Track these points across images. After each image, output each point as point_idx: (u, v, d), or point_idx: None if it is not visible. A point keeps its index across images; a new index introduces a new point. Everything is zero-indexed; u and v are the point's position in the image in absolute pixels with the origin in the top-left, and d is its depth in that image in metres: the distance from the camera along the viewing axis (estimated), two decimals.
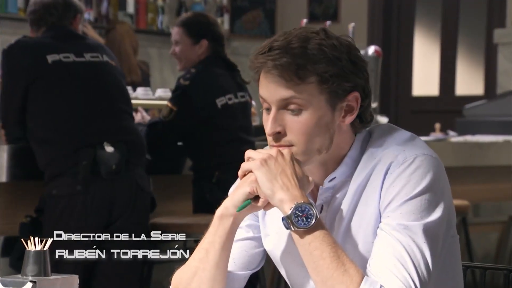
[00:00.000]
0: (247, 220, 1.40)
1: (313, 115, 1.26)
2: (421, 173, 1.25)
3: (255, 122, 3.80)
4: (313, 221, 1.23)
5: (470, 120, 4.49)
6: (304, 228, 1.23)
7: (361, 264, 1.26)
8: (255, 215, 1.40)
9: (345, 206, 1.30)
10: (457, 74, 6.05)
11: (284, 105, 1.27)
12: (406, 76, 6.13)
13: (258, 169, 1.27)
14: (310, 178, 1.30)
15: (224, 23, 5.97)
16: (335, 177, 1.31)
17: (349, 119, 1.29)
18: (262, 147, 3.68)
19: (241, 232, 1.39)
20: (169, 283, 1.38)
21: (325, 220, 1.31)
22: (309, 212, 1.23)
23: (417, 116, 5.93)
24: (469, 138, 4.20)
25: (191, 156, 3.03)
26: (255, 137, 3.13)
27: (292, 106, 1.27)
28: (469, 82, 6.05)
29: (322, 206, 1.33)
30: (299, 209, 1.23)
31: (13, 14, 4.74)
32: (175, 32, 3.06)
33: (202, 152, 2.98)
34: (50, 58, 2.61)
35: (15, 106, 2.61)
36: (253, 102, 4.02)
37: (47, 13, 2.69)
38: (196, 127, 2.96)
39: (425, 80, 6.18)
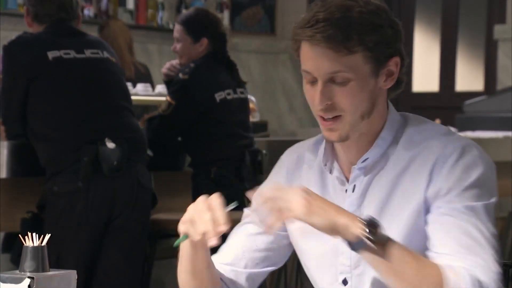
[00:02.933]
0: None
1: (359, 84, 1.28)
2: (477, 160, 1.30)
3: (254, 119, 3.80)
4: (382, 228, 1.21)
5: (470, 116, 4.48)
6: (386, 239, 1.20)
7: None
8: None
9: (379, 187, 1.31)
10: (457, 70, 6.04)
11: (331, 78, 1.28)
12: (406, 72, 6.11)
13: (310, 216, 1.20)
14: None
15: (224, 19, 5.96)
16: (368, 158, 1.32)
17: (390, 83, 1.32)
18: (260, 143, 3.64)
19: (251, 227, 1.39)
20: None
21: (355, 201, 1.32)
22: (376, 221, 1.21)
23: (417, 112, 5.87)
24: (469, 134, 4.20)
25: (188, 151, 3.03)
26: (253, 133, 3.13)
27: (339, 79, 1.28)
28: (469, 78, 6.05)
29: (354, 186, 1.33)
30: (370, 223, 1.20)
31: (13, 10, 4.74)
32: (176, 29, 3.07)
33: (199, 147, 2.99)
34: (51, 54, 2.60)
35: (15, 102, 2.61)
36: (253, 98, 4.02)
37: (62, 11, 2.65)
38: (195, 121, 2.96)
39: (425, 76, 6.17)
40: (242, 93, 3.08)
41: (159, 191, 2.83)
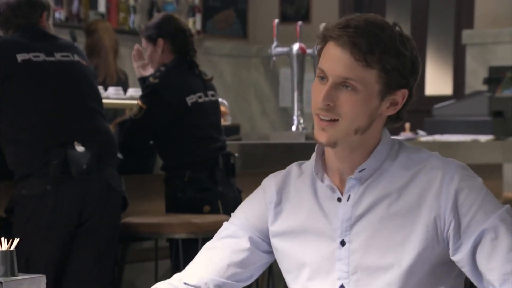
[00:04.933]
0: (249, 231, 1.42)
1: (364, 99, 1.32)
2: (474, 176, 1.35)
3: (226, 122, 3.80)
4: None
5: (439, 119, 4.54)
6: None
7: (380, 255, 1.30)
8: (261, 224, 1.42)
9: (376, 198, 1.34)
10: (426, 74, 6.12)
11: (341, 82, 1.32)
12: None
13: None
14: None
15: (196, 23, 5.96)
16: (365, 169, 1.36)
17: (391, 111, 1.36)
18: (232, 146, 3.64)
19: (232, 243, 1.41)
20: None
21: (349, 209, 1.35)
22: None
23: None
24: (438, 137, 4.25)
25: (161, 155, 3.03)
26: (225, 136, 3.14)
27: (348, 85, 1.31)
28: (438, 82, 6.13)
29: (349, 195, 1.36)
30: None
31: None
32: (142, 43, 3.10)
33: (173, 150, 2.98)
34: (20, 57, 2.59)
35: None
36: (225, 102, 4.02)
37: (13, 15, 2.67)
38: (166, 125, 2.96)
39: None
40: (213, 95, 3.09)
41: (130, 194, 2.82)
